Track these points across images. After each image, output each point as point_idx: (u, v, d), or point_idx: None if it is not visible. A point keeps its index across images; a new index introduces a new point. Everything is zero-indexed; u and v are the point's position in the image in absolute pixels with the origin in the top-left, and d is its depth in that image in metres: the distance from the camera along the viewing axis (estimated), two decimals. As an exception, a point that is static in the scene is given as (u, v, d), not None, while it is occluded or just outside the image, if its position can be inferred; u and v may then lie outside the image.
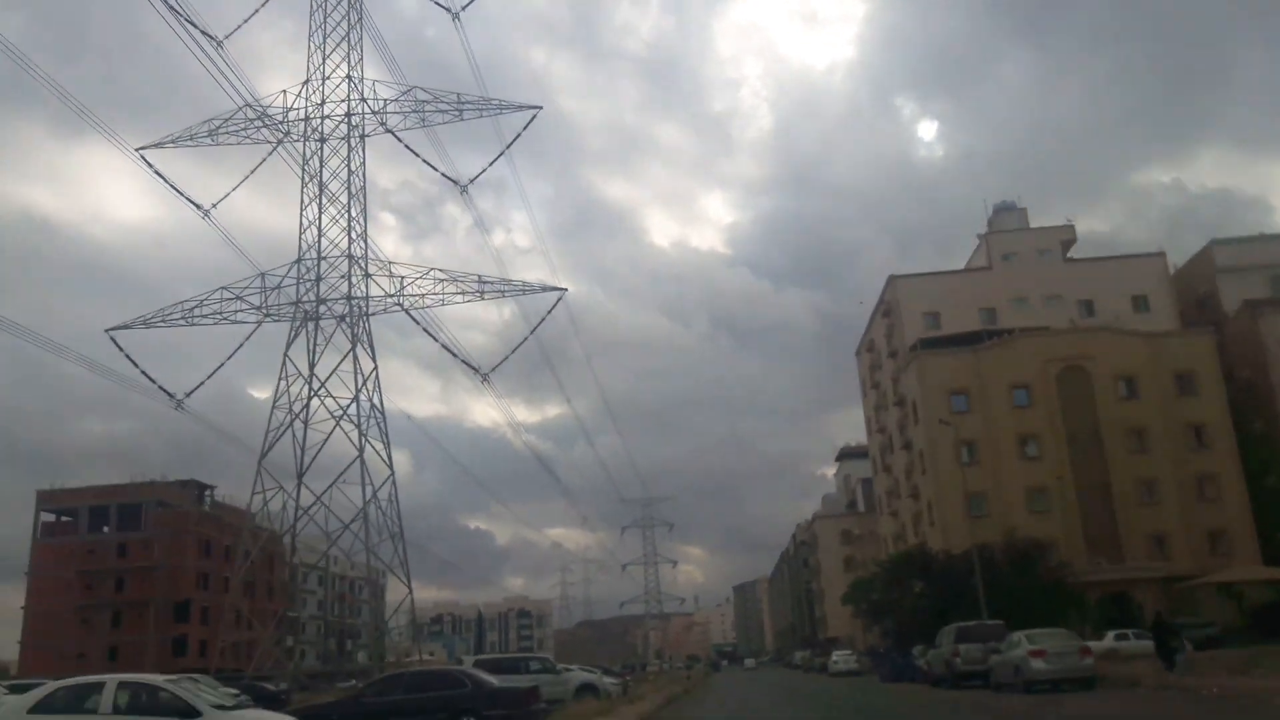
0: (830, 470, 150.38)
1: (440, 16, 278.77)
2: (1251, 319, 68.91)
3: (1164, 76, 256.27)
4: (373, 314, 68.48)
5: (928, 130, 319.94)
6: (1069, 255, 78.51)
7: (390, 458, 68.31)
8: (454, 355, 68.12)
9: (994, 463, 66.61)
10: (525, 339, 68.03)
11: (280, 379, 66.47)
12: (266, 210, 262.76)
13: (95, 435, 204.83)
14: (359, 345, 67.77)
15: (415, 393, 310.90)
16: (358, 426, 65.74)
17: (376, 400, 67.58)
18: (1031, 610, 50.24)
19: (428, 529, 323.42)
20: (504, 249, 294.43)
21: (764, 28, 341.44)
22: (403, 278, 67.25)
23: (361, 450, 65.42)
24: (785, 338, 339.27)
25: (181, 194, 66.94)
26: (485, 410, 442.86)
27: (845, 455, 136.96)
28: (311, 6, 68.98)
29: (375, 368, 67.79)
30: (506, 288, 67.04)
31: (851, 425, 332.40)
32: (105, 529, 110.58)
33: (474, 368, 67.69)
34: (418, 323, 67.65)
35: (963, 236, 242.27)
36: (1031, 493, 66.01)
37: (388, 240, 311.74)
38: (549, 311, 66.64)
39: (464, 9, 67.92)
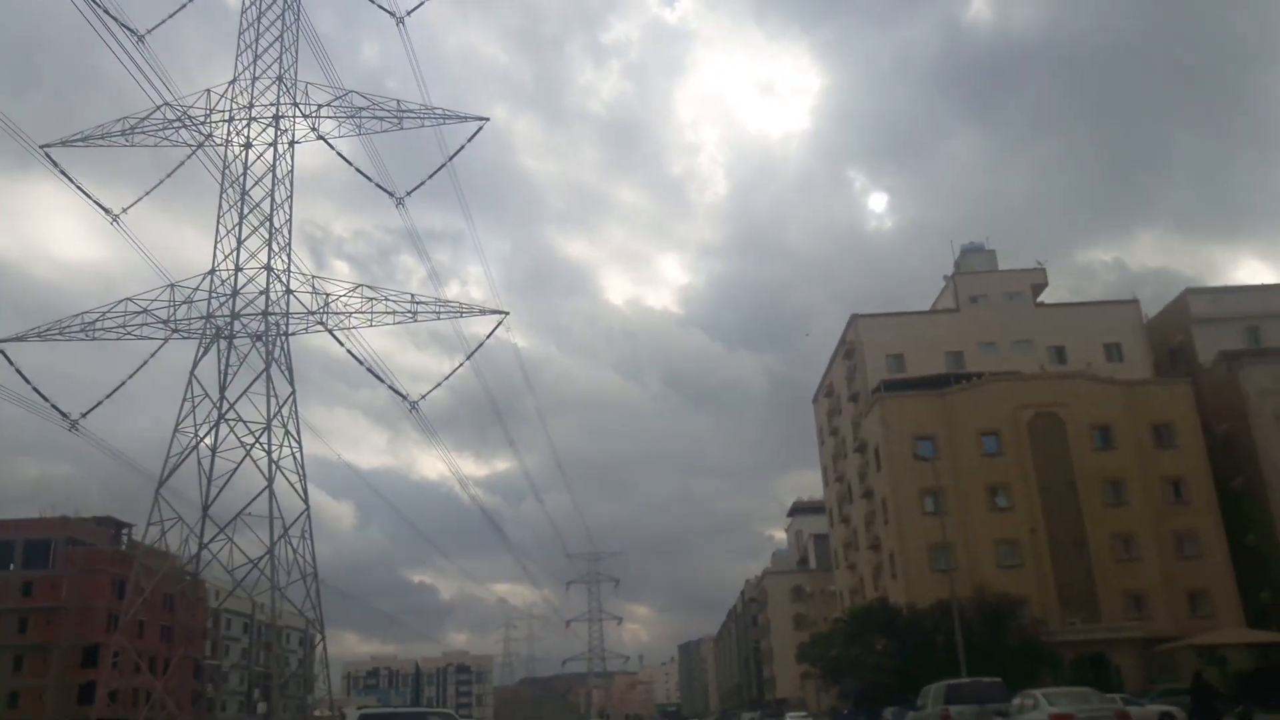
0: (779, 531, 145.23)
1: (400, 68, 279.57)
2: (1229, 370, 64.70)
3: (1107, 158, 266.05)
4: (293, 334, 62.28)
5: (878, 202, 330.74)
6: (1039, 300, 74.24)
7: (306, 491, 61.66)
8: (380, 379, 61.93)
9: (962, 513, 61.36)
10: (461, 364, 62.15)
11: (185, 400, 59.80)
12: (191, 225, 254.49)
13: (28, 478, 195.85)
14: (275, 366, 61.50)
15: (362, 444, 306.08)
16: (268, 454, 59.06)
17: (293, 428, 61.05)
18: (1003, 671, 44.74)
19: (372, 583, 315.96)
20: (459, 299, 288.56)
21: (722, 96, 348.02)
22: (328, 295, 61.33)
23: (271, 480, 58.73)
24: (736, 398, 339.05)
25: (88, 196, 60.53)
26: (433, 463, 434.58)
27: (797, 510, 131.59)
28: (244, 4, 63.39)
29: (293, 392, 61.45)
30: (442, 309, 61.20)
31: (800, 487, 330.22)
32: (10, 566, 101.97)
33: (402, 395, 61.60)
34: (342, 344, 61.47)
35: (916, 301, 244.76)
36: (1002, 545, 60.77)
37: (338, 288, 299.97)
38: (488, 335, 61.07)
39: (407, 15, 62.65)
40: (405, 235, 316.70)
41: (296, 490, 61.70)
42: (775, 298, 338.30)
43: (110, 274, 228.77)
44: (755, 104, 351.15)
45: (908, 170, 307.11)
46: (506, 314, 61.12)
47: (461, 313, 61.23)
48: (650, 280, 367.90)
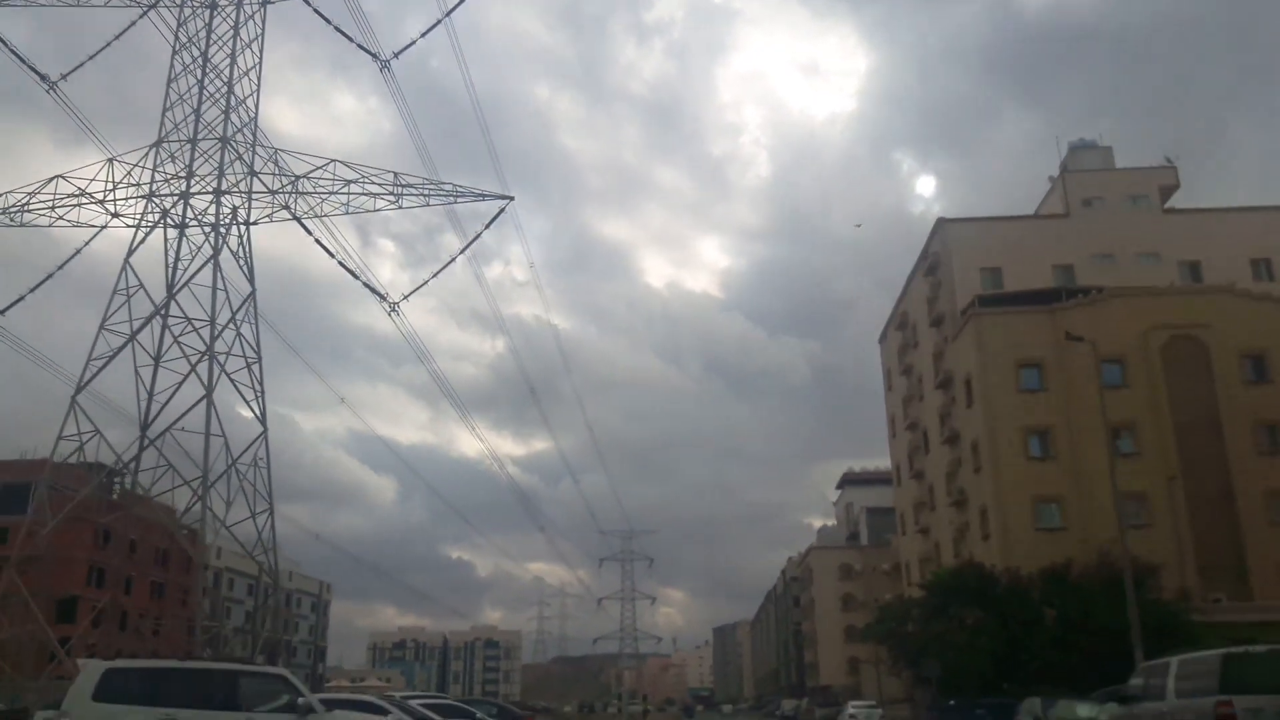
0: (816, 520, 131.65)
1: (443, 46, 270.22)
2: None
3: (1164, 143, 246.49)
4: (255, 221, 49.79)
5: (926, 186, 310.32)
6: (1168, 205, 59.81)
7: (264, 410, 49.26)
8: (355, 276, 49.18)
9: (1075, 459, 47.66)
10: (458, 254, 49.53)
11: (115, 292, 47.55)
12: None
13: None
14: (236, 259, 49.13)
15: (404, 420, 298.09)
16: (210, 355, 46.66)
17: (250, 335, 48.61)
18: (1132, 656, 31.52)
19: (412, 557, 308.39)
20: (501, 279, 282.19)
21: (766, 76, 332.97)
22: (296, 177, 48.77)
23: (210, 390, 46.37)
24: (776, 385, 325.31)
25: (23, 60, 48.23)
26: (472, 440, 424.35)
27: (848, 481, 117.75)
28: None
29: (253, 292, 48.99)
30: (433, 191, 48.38)
31: (838, 478, 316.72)
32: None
33: (381, 295, 48.83)
34: (309, 233, 48.79)
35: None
36: (1126, 499, 46.87)
37: (384, 267, 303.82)
38: (490, 222, 48.12)
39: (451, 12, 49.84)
40: (449, 214, 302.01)
41: (253, 409, 49.42)
42: (818, 284, 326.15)
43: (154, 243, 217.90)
44: (799, 84, 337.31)
45: (956, 154, 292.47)
46: (511, 199, 48.23)
47: (456, 197, 48.41)
48: (690, 263, 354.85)
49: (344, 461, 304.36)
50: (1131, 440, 47.87)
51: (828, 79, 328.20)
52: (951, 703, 40.29)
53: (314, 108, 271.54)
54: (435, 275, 49.87)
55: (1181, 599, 42.49)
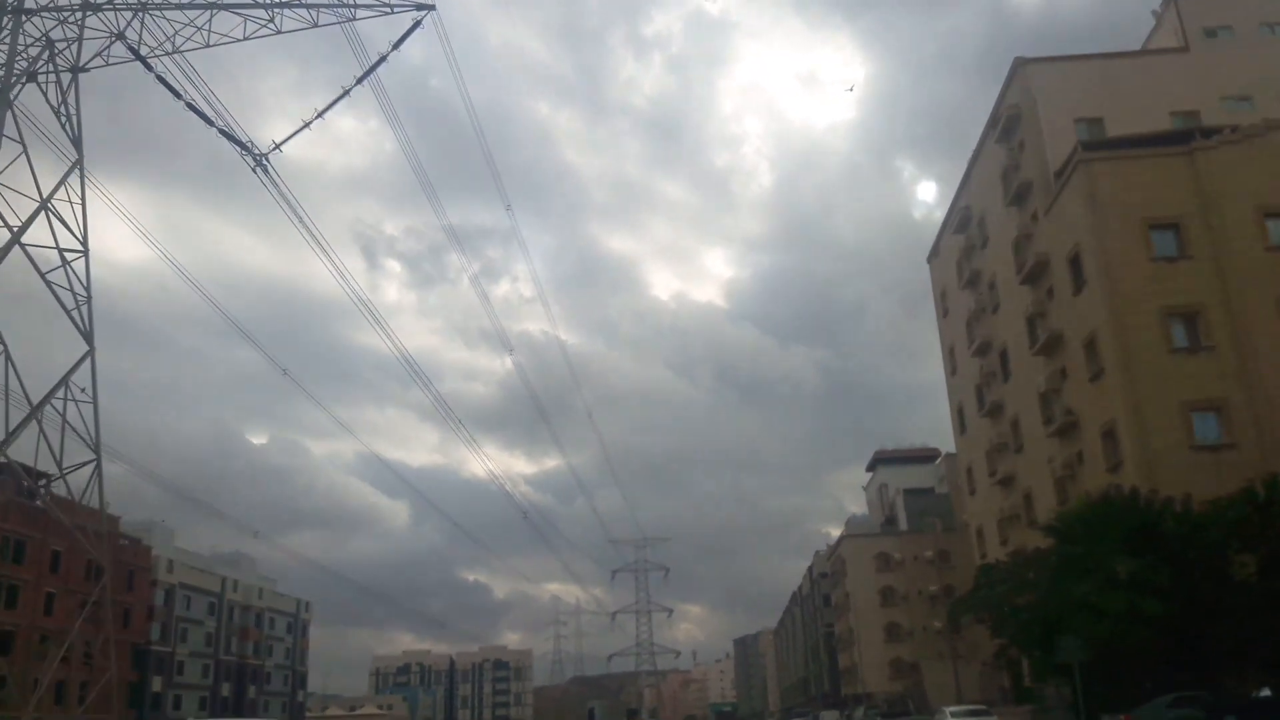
0: (834, 529, 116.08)
1: (442, 65, 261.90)
2: None
3: None
4: (86, 66, 35.27)
5: (928, 191, 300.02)
6: (1318, 31, 44.88)
7: (91, 324, 34.46)
8: (229, 138, 34.34)
9: (1238, 349, 32.72)
10: (381, 59, 34.58)
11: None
12: None
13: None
14: (60, 118, 34.59)
15: (413, 442, 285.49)
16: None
17: (79, 216, 33.89)
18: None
19: (428, 581, 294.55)
20: (509, 296, 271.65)
21: (765, 87, 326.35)
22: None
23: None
24: (788, 393, 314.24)
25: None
26: (483, 461, 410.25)
27: (881, 461, 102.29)
28: None
29: (80, 159, 34.40)
30: (322, 4, 33.75)
31: (855, 484, 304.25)
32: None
33: (245, 146, 34.02)
34: (179, 96, 34.16)
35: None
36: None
37: (391, 287, 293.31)
38: (405, 36, 33.44)
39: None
40: (456, 231, 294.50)
41: (76, 322, 34.59)
42: (825, 291, 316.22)
43: (163, 276, 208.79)
44: (799, 95, 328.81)
45: (957, 159, 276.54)
46: (431, 8, 33.49)
47: (354, 9, 33.83)
48: (696, 275, 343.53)
49: (355, 487, 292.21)
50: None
51: (826, 89, 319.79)
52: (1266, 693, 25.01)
53: (314, 132, 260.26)
54: (328, 108, 34.48)
55: None
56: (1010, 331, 44.63)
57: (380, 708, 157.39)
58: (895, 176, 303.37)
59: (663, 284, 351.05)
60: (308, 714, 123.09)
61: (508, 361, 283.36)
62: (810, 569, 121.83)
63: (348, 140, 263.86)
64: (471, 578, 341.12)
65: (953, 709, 31.40)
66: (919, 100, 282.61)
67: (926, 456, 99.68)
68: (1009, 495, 46.70)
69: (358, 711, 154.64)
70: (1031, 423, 42.63)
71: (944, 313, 56.67)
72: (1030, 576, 31.39)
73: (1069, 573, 28.74)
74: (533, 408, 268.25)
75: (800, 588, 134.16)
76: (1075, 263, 36.89)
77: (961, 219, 50.92)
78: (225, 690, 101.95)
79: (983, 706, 32.98)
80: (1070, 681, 28.89)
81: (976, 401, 50.20)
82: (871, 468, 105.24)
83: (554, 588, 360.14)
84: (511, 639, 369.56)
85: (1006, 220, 43.97)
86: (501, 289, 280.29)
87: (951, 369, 55.68)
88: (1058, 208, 38.25)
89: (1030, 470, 43.71)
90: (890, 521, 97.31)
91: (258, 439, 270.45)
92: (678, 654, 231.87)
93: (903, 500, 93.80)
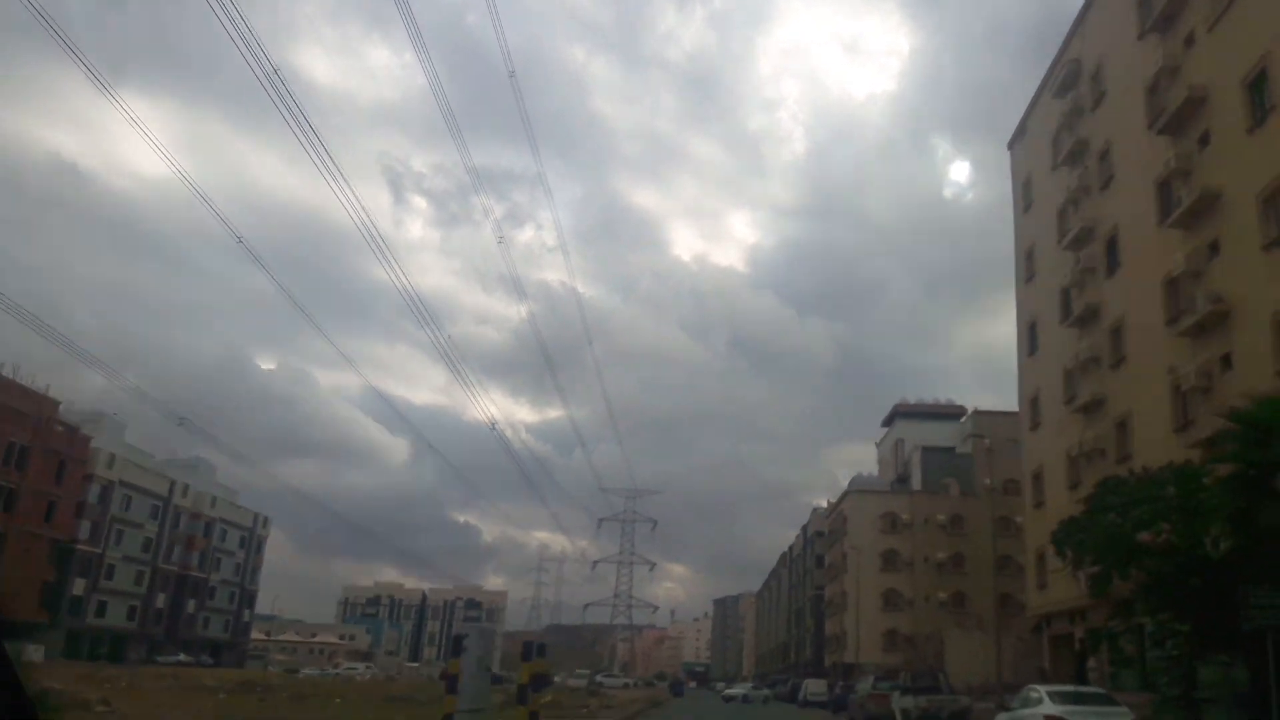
0: (823, 500, 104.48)
1: (479, 4, 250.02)
2: None
3: None
4: None
5: (961, 172, 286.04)
6: None
7: None
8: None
9: None
10: None
11: None
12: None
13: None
14: None
15: (419, 381, 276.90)
16: None
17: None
18: None
19: (421, 519, 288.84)
20: (531, 244, 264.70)
21: (806, 51, 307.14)
22: None
23: None
24: (801, 366, 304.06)
25: None
26: (485, 405, 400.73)
27: (901, 415, 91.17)
28: None
29: None
30: None
31: (854, 461, 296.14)
32: None
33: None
34: None
35: (995, 284, 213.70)
36: None
37: (415, 224, 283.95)
38: None
39: None
40: (483, 175, 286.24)
41: None
42: (848, 265, 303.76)
43: (186, 190, 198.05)
44: (840, 62, 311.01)
45: (995, 142, 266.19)
46: None
47: None
48: (719, 237, 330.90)
49: (358, 420, 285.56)
50: None
51: (869, 58, 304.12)
52: None
53: (348, 61, 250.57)
54: None
55: None
56: (1128, 207, 33.16)
57: (341, 637, 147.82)
58: (930, 155, 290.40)
59: (685, 244, 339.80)
60: (255, 635, 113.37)
61: (523, 309, 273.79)
62: (805, 528, 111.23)
63: (380, 73, 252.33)
64: (462, 519, 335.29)
65: (1050, 689, 20.39)
66: (962, 79, 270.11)
67: (951, 413, 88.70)
68: (1092, 424, 35.39)
69: (315, 639, 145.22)
70: (1146, 322, 31.40)
71: (1025, 207, 44.83)
72: (1170, 494, 20.18)
73: (1246, 496, 17.76)
74: (542, 357, 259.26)
75: (791, 548, 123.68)
76: (1257, 85, 25.57)
77: (1066, 76, 38.99)
78: (160, 601, 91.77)
79: (1099, 690, 21.92)
80: (1238, 656, 18.14)
81: (1060, 308, 38.63)
82: (889, 422, 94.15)
83: (542, 535, 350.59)
84: (495, 582, 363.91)
85: (1138, 57, 32.39)
86: (525, 235, 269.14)
87: (1027, 275, 44.07)
88: (1236, 10, 26.82)
89: (1133, 388, 32.41)
90: (902, 481, 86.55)
91: (266, 364, 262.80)
92: (655, 609, 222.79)
93: (920, 458, 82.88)
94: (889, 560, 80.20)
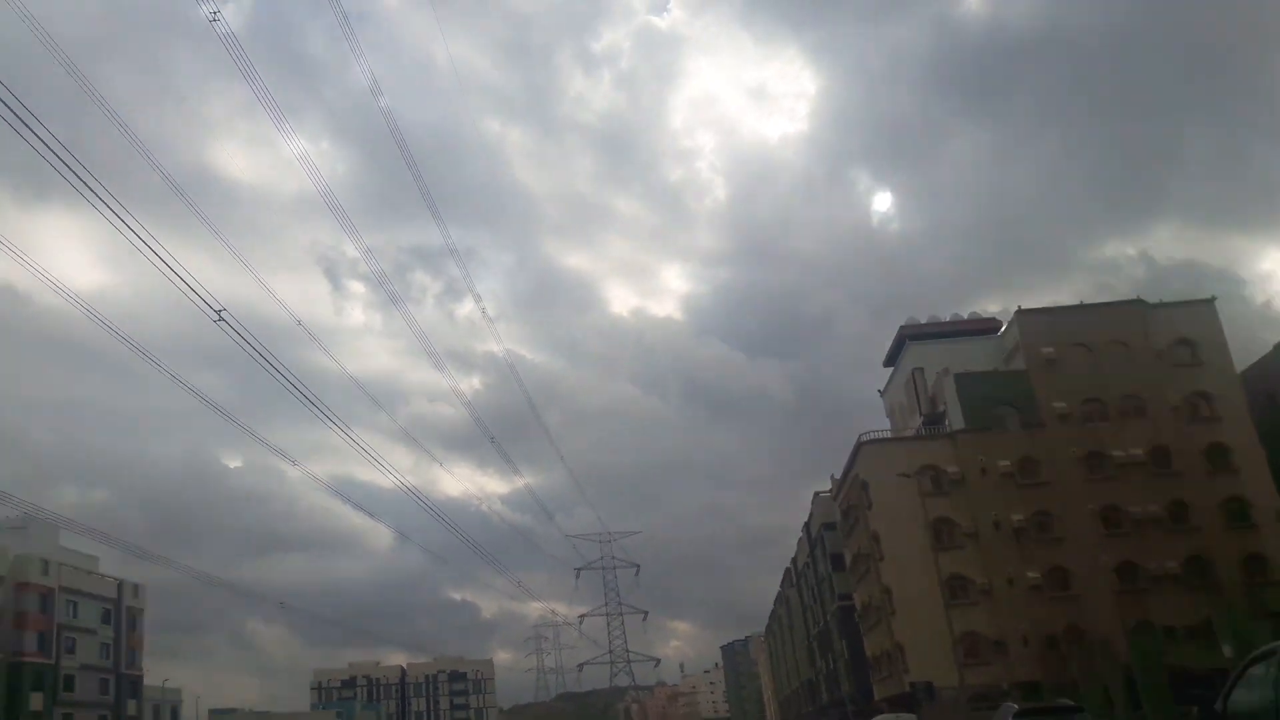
0: (830, 478, 76.44)
1: (391, 85, 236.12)
2: None
3: (1117, 151, 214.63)
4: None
5: (883, 202, 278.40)
6: None
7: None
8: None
9: None
10: None
11: None
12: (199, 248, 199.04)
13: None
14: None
15: (384, 463, 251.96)
16: None
17: None
18: None
19: (417, 601, 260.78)
20: (471, 316, 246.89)
21: (715, 101, 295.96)
22: None
23: None
24: (760, 407, 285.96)
25: None
26: (455, 481, 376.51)
27: (913, 336, 64.46)
28: None
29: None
30: None
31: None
32: None
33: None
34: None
35: (938, 304, 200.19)
36: None
37: (355, 308, 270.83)
38: None
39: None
40: (417, 253, 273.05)
41: None
42: (790, 304, 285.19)
43: (122, 300, 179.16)
44: (750, 109, 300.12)
45: (911, 169, 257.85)
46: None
47: None
48: (655, 291, 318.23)
49: (336, 509, 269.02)
50: None
51: (778, 102, 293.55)
52: None
53: (262, 153, 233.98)
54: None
55: None
56: None
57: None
58: (851, 187, 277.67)
59: (622, 300, 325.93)
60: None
61: (475, 381, 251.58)
62: (807, 525, 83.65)
63: (300, 162, 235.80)
64: (459, 596, 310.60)
65: None
66: (870, 112, 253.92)
67: (978, 328, 62.68)
68: None
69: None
70: None
71: None
72: None
73: None
74: (502, 427, 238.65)
75: (794, 561, 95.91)
76: None
77: None
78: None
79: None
80: None
81: None
82: (894, 354, 67.42)
83: (538, 605, 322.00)
84: (502, 657, 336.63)
85: None
86: (465, 308, 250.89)
87: None
88: None
89: None
90: (933, 422, 59.96)
91: (233, 463, 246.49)
92: (658, 661, 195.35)
93: (953, 387, 56.46)
94: (941, 534, 53.17)
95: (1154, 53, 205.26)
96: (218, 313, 28.93)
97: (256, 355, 26.86)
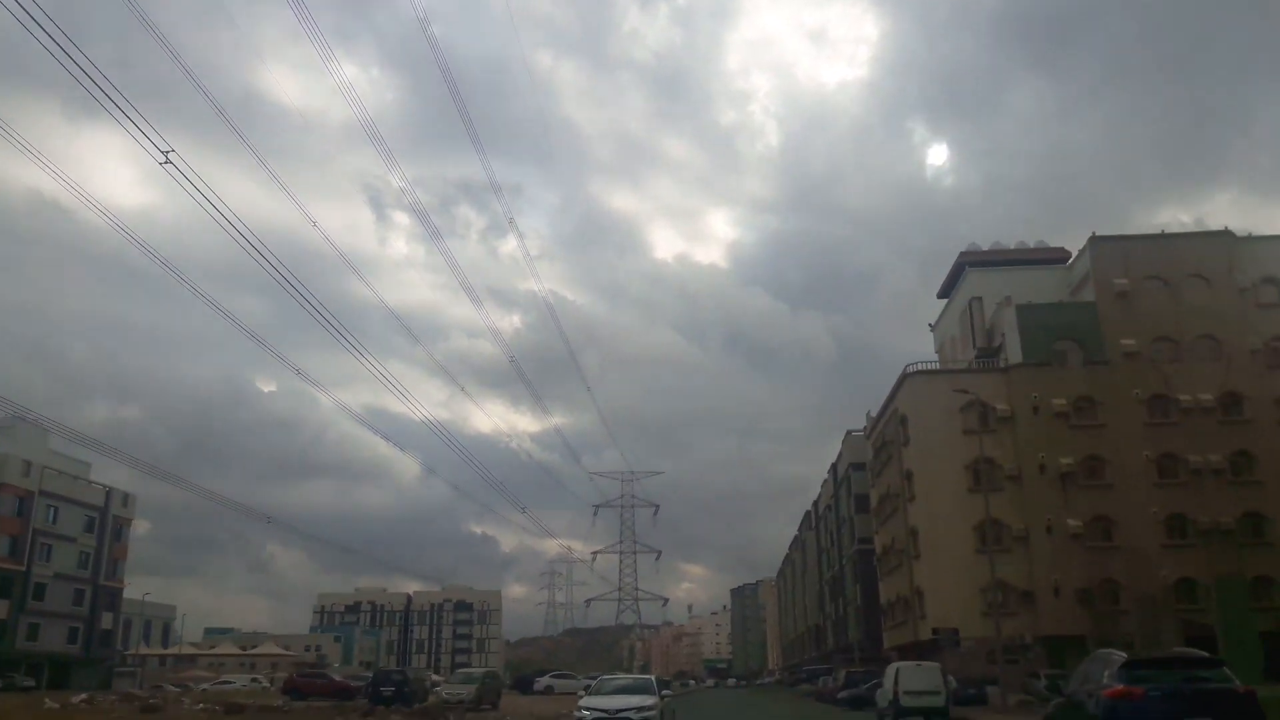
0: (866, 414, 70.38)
1: (444, 11, 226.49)
2: None
3: (1182, 113, 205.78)
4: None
5: (939, 155, 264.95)
6: None
7: None
8: None
9: None
10: None
11: None
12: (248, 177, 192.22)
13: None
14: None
15: (419, 397, 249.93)
16: None
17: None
18: None
19: (437, 534, 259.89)
20: (516, 254, 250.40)
21: (773, 43, 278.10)
22: None
23: None
24: (800, 360, 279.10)
25: None
26: (485, 418, 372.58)
27: (974, 264, 57.81)
28: None
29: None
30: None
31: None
32: None
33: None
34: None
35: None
36: None
37: (399, 239, 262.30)
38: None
39: None
40: (464, 187, 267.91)
41: None
42: (836, 256, 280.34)
43: (163, 221, 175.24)
44: (808, 52, 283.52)
45: (970, 122, 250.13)
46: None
47: None
48: (700, 236, 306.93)
49: (365, 438, 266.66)
50: None
51: (838, 46, 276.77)
52: None
53: (315, 80, 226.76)
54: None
55: None
56: None
57: (285, 647, 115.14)
58: (907, 138, 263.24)
59: (667, 245, 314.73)
60: (132, 651, 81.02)
61: (515, 320, 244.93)
62: (834, 466, 78.38)
63: (343, 90, 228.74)
64: (479, 530, 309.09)
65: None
66: (932, 61, 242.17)
67: (1046, 257, 56.37)
68: None
69: (252, 650, 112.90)
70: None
71: None
72: None
73: None
74: (538, 367, 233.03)
75: (817, 502, 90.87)
76: None
77: None
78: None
79: None
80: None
81: None
82: (951, 284, 61.25)
83: (557, 541, 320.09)
84: (517, 591, 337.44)
85: None
86: (509, 245, 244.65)
87: None
88: None
89: None
90: (988, 355, 53.95)
91: (266, 387, 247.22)
92: (665, 601, 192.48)
93: (1014, 319, 50.32)
94: (979, 476, 47.30)
95: (1228, 12, 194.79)
96: (165, 154, 23.25)
97: (282, 280, 22.19)
